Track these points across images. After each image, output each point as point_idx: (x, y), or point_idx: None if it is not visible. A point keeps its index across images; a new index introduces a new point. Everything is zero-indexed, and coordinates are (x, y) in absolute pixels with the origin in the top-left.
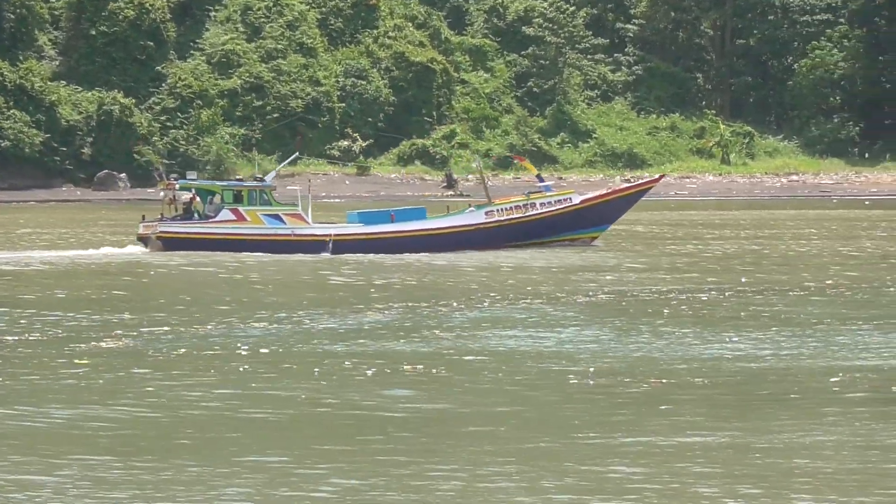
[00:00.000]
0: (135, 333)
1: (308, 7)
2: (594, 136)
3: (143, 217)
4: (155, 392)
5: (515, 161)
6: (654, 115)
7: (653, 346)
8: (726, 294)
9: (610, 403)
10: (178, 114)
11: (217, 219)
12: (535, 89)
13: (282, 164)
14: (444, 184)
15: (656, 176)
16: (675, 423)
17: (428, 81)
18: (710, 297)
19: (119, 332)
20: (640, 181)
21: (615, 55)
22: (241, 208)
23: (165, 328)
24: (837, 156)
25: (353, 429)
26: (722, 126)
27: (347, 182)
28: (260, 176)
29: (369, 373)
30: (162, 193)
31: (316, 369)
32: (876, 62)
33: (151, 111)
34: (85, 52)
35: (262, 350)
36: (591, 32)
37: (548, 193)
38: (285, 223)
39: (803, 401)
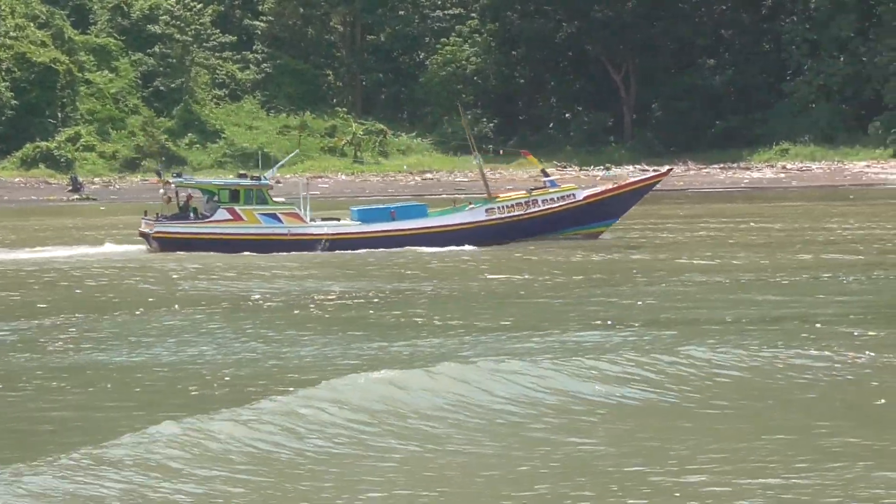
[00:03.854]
0: None
1: None
2: (223, 135)
3: (145, 213)
4: None
5: (522, 155)
6: (285, 114)
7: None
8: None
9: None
10: None
11: (213, 218)
12: (161, 88)
13: (281, 163)
14: (70, 187)
15: (664, 169)
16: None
17: (51, 82)
18: (325, 301)
19: None
20: (649, 175)
21: (243, 53)
22: (237, 207)
23: None
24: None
25: None
26: (354, 124)
27: None
28: (257, 175)
29: None
30: (161, 191)
31: None
32: (508, 57)
33: None
34: None
35: None
36: (218, 30)
37: (551, 189)
38: (282, 222)
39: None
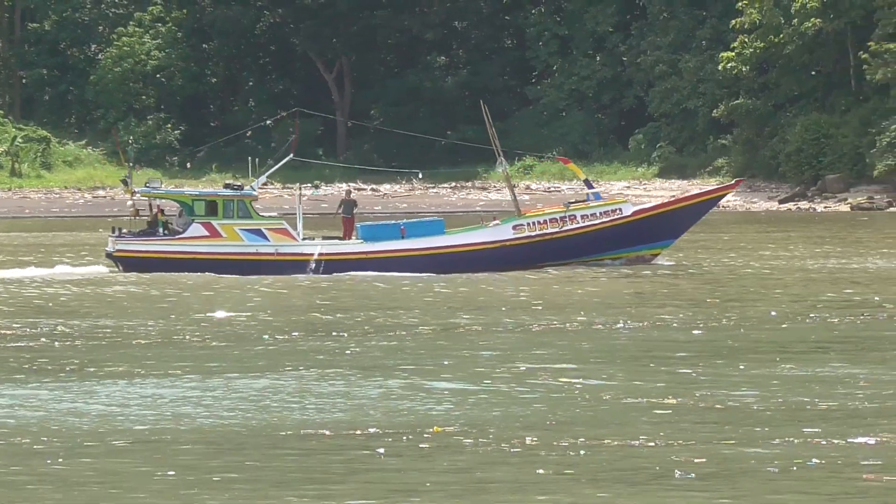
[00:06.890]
0: None
1: None
2: None
3: (113, 230)
4: None
5: (560, 162)
6: None
7: None
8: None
9: None
10: None
11: (186, 234)
12: None
13: (272, 169)
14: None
15: (732, 182)
16: None
17: None
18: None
19: None
20: (711, 187)
21: None
22: (214, 222)
23: None
24: (154, 166)
25: None
26: (11, 129)
27: None
28: (238, 184)
29: None
30: (129, 203)
31: None
32: (198, 51)
33: None
34: None
35: None
36: None
37: (592, 203)
38: (268, 240)
39: None
